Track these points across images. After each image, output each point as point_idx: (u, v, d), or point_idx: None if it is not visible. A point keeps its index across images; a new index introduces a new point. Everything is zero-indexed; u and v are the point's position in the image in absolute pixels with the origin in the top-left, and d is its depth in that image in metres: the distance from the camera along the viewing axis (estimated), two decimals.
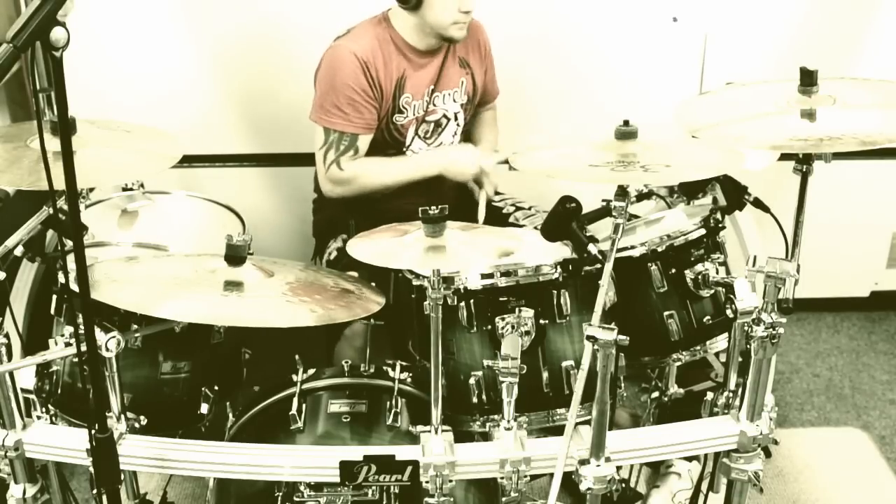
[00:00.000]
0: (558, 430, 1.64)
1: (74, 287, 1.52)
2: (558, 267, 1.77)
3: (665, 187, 2.24)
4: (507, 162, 1.90)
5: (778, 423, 1.72)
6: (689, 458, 2.32)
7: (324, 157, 2.29)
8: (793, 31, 2.81)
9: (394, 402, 1.78)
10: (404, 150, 2.39)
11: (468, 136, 2.59)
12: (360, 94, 2.24)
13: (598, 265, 1.69)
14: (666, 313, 1.92)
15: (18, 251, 1.75)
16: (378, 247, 1.66)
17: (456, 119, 2.44)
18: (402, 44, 2.31)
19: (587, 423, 1.58)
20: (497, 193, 2.48)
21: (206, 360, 1.86)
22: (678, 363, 1.97)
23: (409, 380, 1.84)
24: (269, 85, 2.78)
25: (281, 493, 1.67)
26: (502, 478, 1.64)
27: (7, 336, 1.58)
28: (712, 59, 2.51)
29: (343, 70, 2.24)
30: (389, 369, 1.86)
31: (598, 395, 1.48)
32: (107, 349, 1.53)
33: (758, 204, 2.04)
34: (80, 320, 1.37)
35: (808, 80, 1.71)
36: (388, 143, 2.35)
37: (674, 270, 1.92)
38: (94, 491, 1.64)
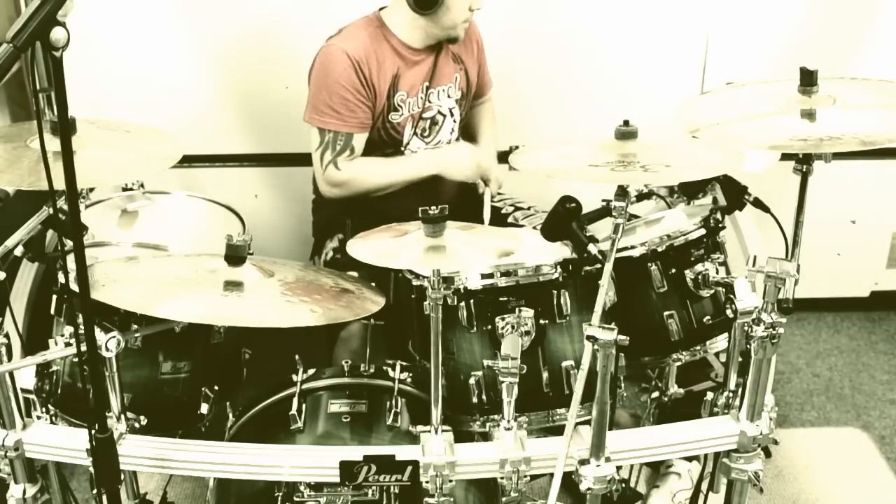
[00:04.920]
0: (558, 430, 1.64)
1: (74, 287, 1.52)
2: (558, 267, 1.77)
3: (665, 187, 2.24)
4: (509, 152, 1.90)
5: (778, 423, 1.72)
6: (689, 458, 2.32)
7: (321, 159, 2.29)
8: (793, 31, 2.81)
9: (394, 402, 1.78)
10: (402, 148, 2.38)
11: (467, 131, 2.59)
12: (353, 93, 2.24)
13: (598, 265, 1.69)
14: (666, 313, 1.92)
15: (18, 251, 1.75)
16: (378, 247, 1.66)
17: (452, 115, 2.44)
18: (396, 42, 2.31)
19: (587, 423, 1.58)
20: (498, 193, 2.48)
21: (206, 360, 1.86)
22: (678, 363, 1.97)
23: (409, 380, 1.84)
24: (269, 85, 2.78)
25: (281, 493, 1.66)
26: (502, 478, 1.64)
27: (7, 336, 1.58)
28: (714, 59, 2.51)
29: (335, 69, 2.24)
30: (389, 369, 1.86)
31: (598, 395, 1.48)
32: (107, 349, 1.54)
33: (758, 204, 2.04)
34: (80, 320, 1.37)
35: (808, 80, 1.72)
36: (385, 142, 2.35)
37: (674, 270, 1.92)
38: (94, 491, 1.64)
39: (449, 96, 2.43)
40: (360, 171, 2.30)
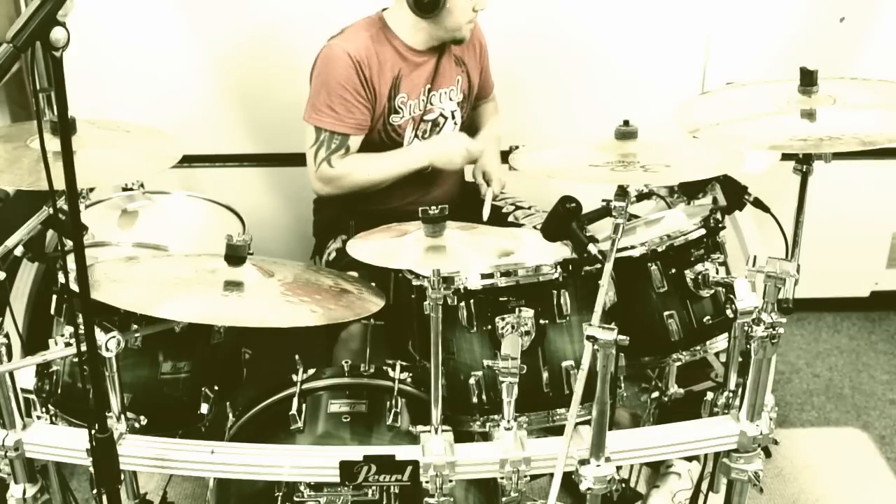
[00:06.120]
0: (558, 430, 1.64)
1: (74, 287, 1.52)
2: (558, 267, 1.77)
3: (665, 187, 2.24)
4: (509, 152, 1.90)
5: (778, 423, 1.72)
6: (689, 458, 2.32)
7: (314, 156, 2.28)
8: (793, 31, 2.81)
9: (394, 402, 1.78)
10: None
11: (471, 129, 2.58)
12: (353, 93, 2.24)
13: (598, 265, 1.69)
14: (666, 313, 1.92)
15: (18, 251, 1.75)
16: (378, 247, 1.66)
17: (453, 117, 2.44)
18: (399, 43, 2.30)
19: (587, 423, 1.58)
20: (501, 193, 2.47)
21: (206, 360, 1.86)
22: (678, 363, 1.97)
23: (409, 380, 1.84)
24: (269, 85, 2.78)
25: (281, 493, 1.67)
26: (502, 478, 1.64)
27: (7, 336, 1.58)
28: (714, 59, 2.52)
29: (336, 69, 2.24)
30: (389, 369, 1.86)
31: (598, 395, 1.48)
32: (107, 349, 1.54)
33: (758, 204, 2.04)
34: (80, 320, 1.37)
35: (808, 80, 1.72)
36: (385, 144, 2.34)
37: (674, 270, 1.92)
38: (94, 491, 1.64)
39: (451, 99, 2.42)
40: (352, 167, 2.29)
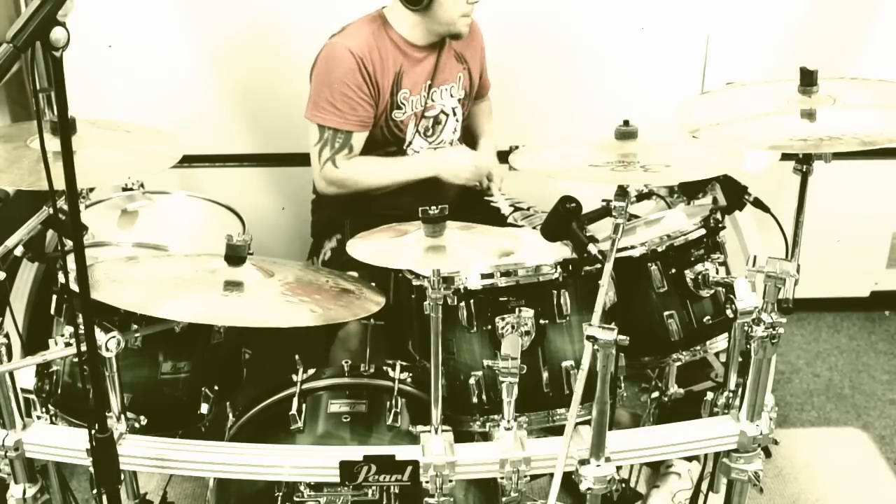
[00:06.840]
0: (558, 430, 1.64)
1: (74, 287, 1.52)
2: (558, 267, 1.77)
3: (665, 187, 2.24)
4: (509, 152, 1.90)
5: (778, 423, 1.72)
6: (689, 458, 2.32)
7: (319, 155, 2.29)
8: (793, 31, 2.81)
9: (394, 402, 1.78)
10: (405, 147, 2.38)
11: (466, 129, 2.58)
12: (356, 90, 2.24)
13: (598, 265, 1.69)
14: (666, 313, 1.92)
15: (18, 251, 1.75)
16: (378, 247, 1.66)
17: (455, 114, 2.44)
18: (399, 40, 2.31)
19: (587, 423, 1.58)
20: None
21: (206, 360, 1.86)
22: (678, 363, 1.97)
23: (409, 380, 1.84)
24: (269, 85, 2.78)
25: (281, 493, 1.67)
26: (502, 478, 1.64)
27: (7, 336, 1.58)
28: (714, 59, 2.52)
29: (339, 67, 2.24)
30: (389, 369, 1.86)
31: (598, 395, 1.48)
32: (107, 349, 1.54)
33: (758, 204, 2.04)
34: (80, 320, 1.37)
35: (808, 80, 1.72)
36: (388, 140, 2.35)
37: (674, 270, 1.92)
38: (94, 491, 1.64)
39: (452, 95, 2.43)
40: (358, 170, 2.30)
